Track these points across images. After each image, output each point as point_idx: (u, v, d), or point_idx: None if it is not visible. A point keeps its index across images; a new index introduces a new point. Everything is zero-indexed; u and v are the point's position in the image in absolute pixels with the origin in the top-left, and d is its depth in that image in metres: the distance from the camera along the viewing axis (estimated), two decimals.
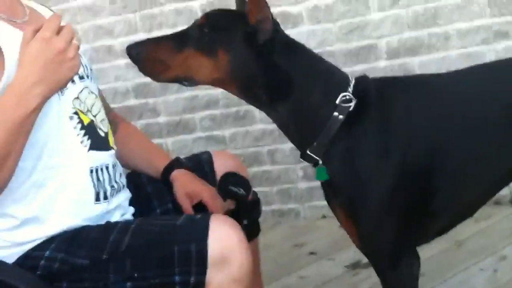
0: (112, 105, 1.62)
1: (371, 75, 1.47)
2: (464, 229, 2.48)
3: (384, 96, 1.39)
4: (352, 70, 2.33)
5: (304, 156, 1.42)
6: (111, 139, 1.46)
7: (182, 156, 1.69)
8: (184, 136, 3.03)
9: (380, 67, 2.67)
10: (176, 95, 2.99)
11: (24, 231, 1.29)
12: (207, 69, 1.35)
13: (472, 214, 1.49)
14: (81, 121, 1.36)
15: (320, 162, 1.39)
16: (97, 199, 1.36)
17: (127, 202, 1.48)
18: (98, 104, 1.44)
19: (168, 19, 2.88)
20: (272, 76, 1.36)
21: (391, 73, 2.52)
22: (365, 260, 1.45)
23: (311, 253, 2.57)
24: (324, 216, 2.88)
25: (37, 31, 1.14)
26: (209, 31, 1.36)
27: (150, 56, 1.36)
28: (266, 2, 1.31)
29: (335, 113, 1.34)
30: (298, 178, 2.92)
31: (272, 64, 1.35)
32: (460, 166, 1.38)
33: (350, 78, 1.41)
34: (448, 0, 2.56)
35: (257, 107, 1.46)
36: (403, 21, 2.63)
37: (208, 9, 2.74)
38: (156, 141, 2.65)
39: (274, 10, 1.44)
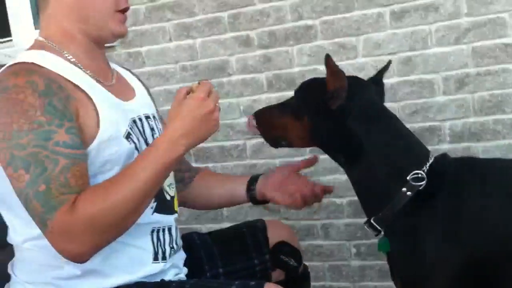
0: None
1: None
2: None
3: (461, 179, 1.37)
4: None
5: (369, 224, 1.43)
6: (175, 203, 1.51)
7: (236, 223, 1.72)
8: None
9: (443, 150, 2.65)
10: (235, 162, 3.04)
11: (83, 282, 1.32)
12: (297, 132, 1.54)
13: None
14: None
15: (382, 233, 1.40)
16: (155, 258, 1.39)
17: (182, 263, 1.50)
18: None
19: (235, 88, 2.98)
20: (345, 140, 1.46)
21: None
22: None
23: None
24: None
25: (188, 92, 1.28)
26: (297, 99, 1.56)
27: (263, 121, 1.61)
28: (342, 73, 1.45)
29: (404, 189, 1.36)
30: (351, 255, 2.87)
31: (345, 128, 1.45)
32: None
33: (430, 156, 1.42)
34: None
35: (340, 166, 1.55)
36: (469, 105, 2.62)
37: (273, 81, 2.87)
38: None
39: None
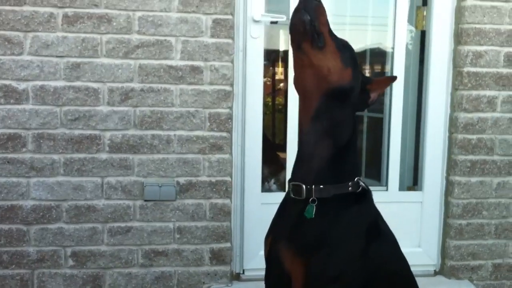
0: None
1: None
2: None
3: (371, 198, 1.78)
4: None
5: (299, 190, 1.67)
6: None
7: None
8: None
9: (102, 159, 2.68)
10: None
11: None
12: (333, 65, 1.64)
13: None
14: None
15: (315, 202, 1.65)
16: None
17: None
18: None
19: None
20: (346, 122, 1.70)
21: None
22: None
23: None
24: None
25: None
26: (349, 54, 1.70)
27: (318, 15, 1.63)
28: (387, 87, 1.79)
29: (350, 183, 1.68)
30: None
31: (352, 117, 1.72)
32: None
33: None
34: None
35: (304, 125, 1.70)
36: (130, 118, 2.71)
37: None
38: None
39: None
